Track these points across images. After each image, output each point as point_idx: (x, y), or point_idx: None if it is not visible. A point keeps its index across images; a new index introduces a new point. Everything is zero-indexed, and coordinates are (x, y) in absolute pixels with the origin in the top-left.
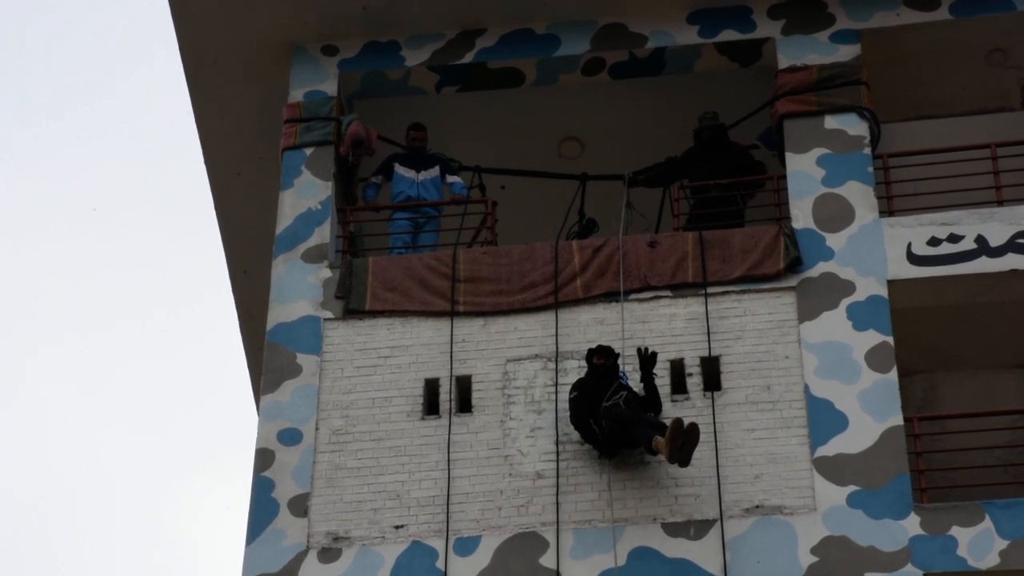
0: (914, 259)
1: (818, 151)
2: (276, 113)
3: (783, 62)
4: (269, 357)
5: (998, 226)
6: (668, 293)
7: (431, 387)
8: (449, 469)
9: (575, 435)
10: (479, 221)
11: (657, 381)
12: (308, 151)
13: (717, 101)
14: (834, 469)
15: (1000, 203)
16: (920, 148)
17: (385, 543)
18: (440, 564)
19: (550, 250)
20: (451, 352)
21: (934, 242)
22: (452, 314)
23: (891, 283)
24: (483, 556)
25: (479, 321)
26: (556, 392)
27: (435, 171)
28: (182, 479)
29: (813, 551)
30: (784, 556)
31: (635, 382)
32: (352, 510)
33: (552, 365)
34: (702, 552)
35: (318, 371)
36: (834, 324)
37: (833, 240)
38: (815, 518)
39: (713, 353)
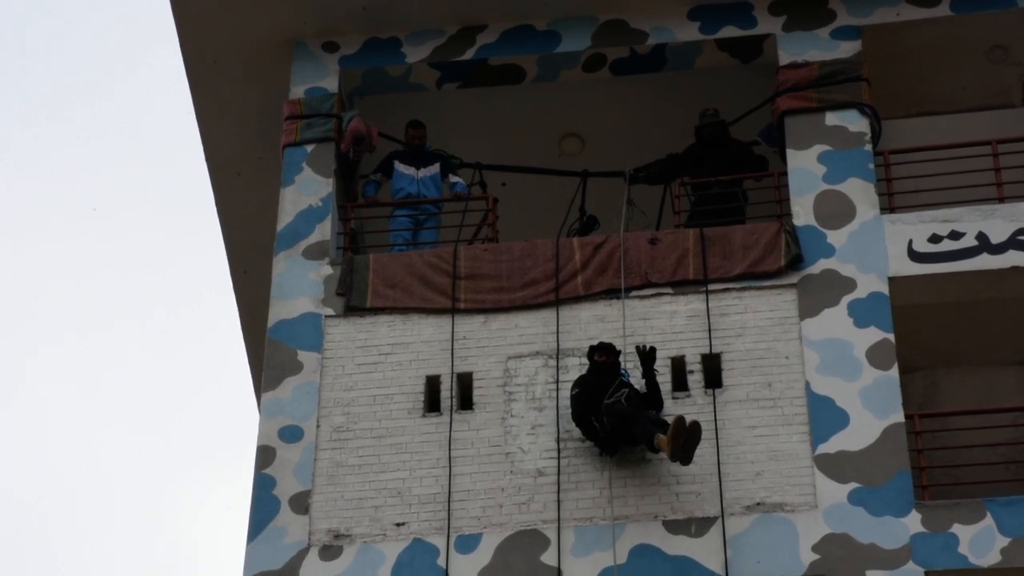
0: (915, 256)
1: (819, 148)
2: (277, 112)
3: (784, 58)
4: (270, 354)
5: (999, 223)
6: (669, 290)
7: (432, 384)
8: (450, 466)
9: (576, 432)
10: (480, 218)
11: (658, 378)
12: (309, 148)
13: (718, 98)
14: (835, 466)
15: (1001, 200)
16: (921, 145)
17: (386, 540)
18: (441, 561)
19: (551, 247)
20: (452, 349)
21: (935, 239)
22: (453, 311)
23: (892, 280)
24: (484, 553)
25: (480, 318)
26: (557, 389)
27: (435, 168)
28: (182, 479)
29: (814, 548)
30: (785, 553)
31: (636, 379)
32: (353, 507)
33: (553, 362)
34: (703, 549)
35: (319, 368)
36: (835, 321)
37: (834, 237)
38: (816, 515)
39: (714, 350)
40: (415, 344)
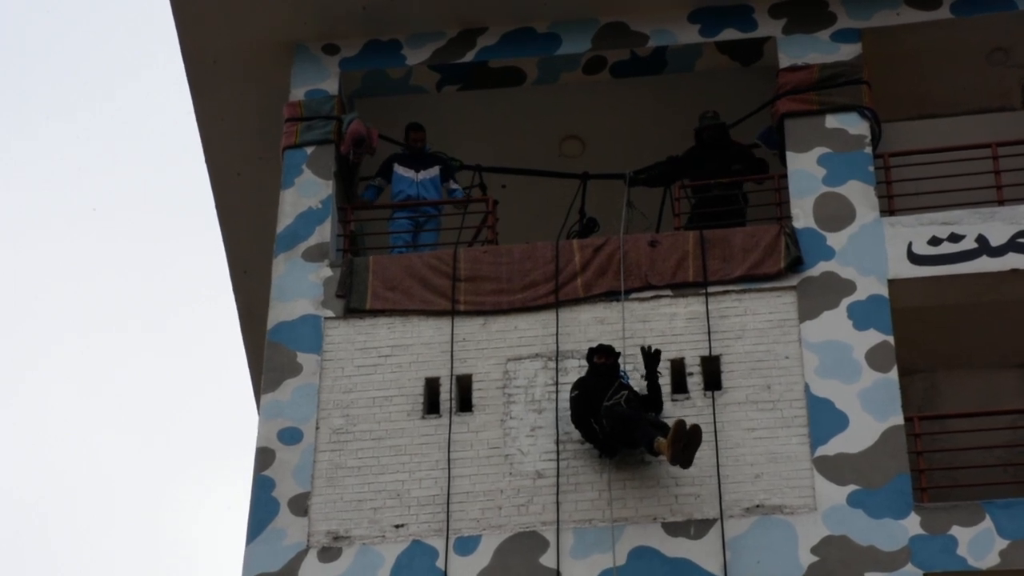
0: (915, 258)
1: (819, 150)
2: (277, 113)
3: (784, 61)
4: (270, 356)
5: (999, 225)
6: (669, 292)
7: (431, 386)
8: (449, 468)
9: (575, 434)
10: (480, 220)
11: (659, 380)
12: (309, 150)
13: (718, 100)
14: (834, 468)
15: (1001, 203)
16: (921, 147)
17: (385, 542)
18: (440, 563)
19: (551, 249)
20: (451, 351)
21: (935, 241)
22: (453, 313)
23: (892, 282)
24: (483, 555)
25: (479, 320)
26: (556, 391)
27: (435, 171)
28: (182, 480)
29: (813, 551)
30: (784, 556)
31: (636, 381)
32: (352, 509)
33: (552, 364)
34: (702, 552)
35: (319, 370)
36: (835, 323)
37: (834, 239)
38: (815, 518)
39: (713, 352)
40: (415, 346)
